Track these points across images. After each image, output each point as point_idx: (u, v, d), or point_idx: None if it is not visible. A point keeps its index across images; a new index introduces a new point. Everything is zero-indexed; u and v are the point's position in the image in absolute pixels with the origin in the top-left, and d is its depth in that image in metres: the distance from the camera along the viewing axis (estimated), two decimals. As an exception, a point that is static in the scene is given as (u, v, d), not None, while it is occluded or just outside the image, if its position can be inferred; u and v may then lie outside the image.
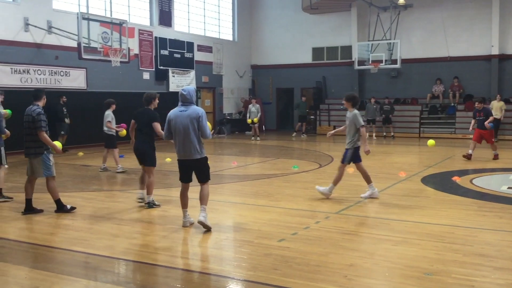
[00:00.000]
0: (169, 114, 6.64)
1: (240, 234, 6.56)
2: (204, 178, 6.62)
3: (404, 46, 22.14)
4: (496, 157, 13.43)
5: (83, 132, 17.38)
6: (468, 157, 13.25)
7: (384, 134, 21.43)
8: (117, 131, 11.88)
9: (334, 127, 23.74)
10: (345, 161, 8.55)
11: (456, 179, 10.41)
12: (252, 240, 6.13)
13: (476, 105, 13.61)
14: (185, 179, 6.69)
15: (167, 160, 13.75)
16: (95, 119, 17.47)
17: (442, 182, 10.42)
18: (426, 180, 10.46)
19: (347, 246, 5.85)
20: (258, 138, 20.83)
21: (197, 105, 6.74)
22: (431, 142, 13.27)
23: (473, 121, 13.77)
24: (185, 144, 6.44)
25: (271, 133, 24.82)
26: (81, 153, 15.77)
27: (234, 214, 7.83)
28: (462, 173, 11.31)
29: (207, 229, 6.47)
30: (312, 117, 24.57)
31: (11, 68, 15.59)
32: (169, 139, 6.74)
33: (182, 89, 6.58)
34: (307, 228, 6.65)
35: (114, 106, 11.93)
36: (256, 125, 20.95)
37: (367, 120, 21.43)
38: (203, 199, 6.55)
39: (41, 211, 7.66)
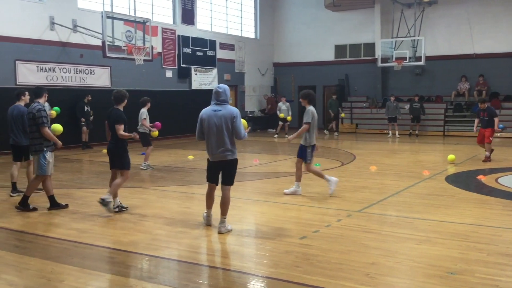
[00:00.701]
0: (201, 113, 6.34)
1: (262, 231, 6.58)
2: (229, 180, 6.43)
3: (428, 43, 21.86)
4: (486, 159, 12.63)
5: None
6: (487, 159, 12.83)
7: (410, 132, 21.17)
8: (150, 130, 11.87)
9: (357, 125, 23.67)
10: (307, 160, 8.70)
11: (481, 178, 10.25)
12: (273, 237, 6.14)
13: (479, 105, 13.23)
14: (213, 180, 6.50)
15: (189, 157, 13.87)
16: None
17: (466, 180, 10.28)
18: (451, 179, 10.33)
19: (369, 245, 5.81)
20: (287, 136, 20.83)
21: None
22: (451, 157, 12.89)
23: (476, 121, 13.34)
24: (218, 145, 6.22)
25: (292, 131, 24.71)
26: (105, 150, 15.93)
27: (255, 212, 7.85)
28: (487, 172, 11.13)
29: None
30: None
31: (37, 67, 15.89)
32: (201, 139, 6.44)
33: (218, 86, 6.27)
34: (329, 226, 6.64)
35: (149, 104, 11.97)
36: (288, 123, 20.98)
37: (388, 118, 21.29)
38: (224, 207, 6.36)
39: (66, 206, 7.80)
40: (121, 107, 7.63)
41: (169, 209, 7.86)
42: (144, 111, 11.81)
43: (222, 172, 6.42)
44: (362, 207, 7.78)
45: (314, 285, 4.61)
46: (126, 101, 7.73)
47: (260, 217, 7.39)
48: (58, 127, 8.40)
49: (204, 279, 4.92)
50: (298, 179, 8.79)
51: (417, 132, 20.97)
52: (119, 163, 7.54)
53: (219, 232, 6.31)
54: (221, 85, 6.35)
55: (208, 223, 6.71)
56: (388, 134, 21.33)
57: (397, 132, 21.03)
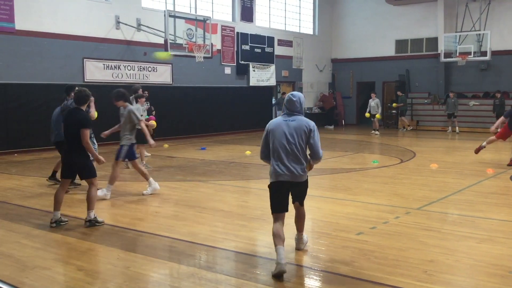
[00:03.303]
0: (268, 125, 5.19)
1: (318, 226, 6.63)
2: (302, 200, 5.29)
3: (494, 37, 21.00)
4: None
5: (168, 124, 18.12)
6: None
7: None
8: (147, 125, 12.00)
9: (417, 122, 23.11)
10: (119, 158, 8.42)
11: (549, 177, 9.81)
12: (330, 233, 6.18)
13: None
14: (280, 208, 5.08)
15: (247, 153, 14.06)
16: (180, 113, 18.33)
17: (533, 180, 9.85)
18: (516, 178, 9.95)
19: (427, 242, 5.74)
20: (377, 132, 20.39)
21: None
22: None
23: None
24: (289, 162, 4.97)
25: (351, 128, 24.51)
26: (166, 145, 16.45)
27: (312, 207, 7.87)
28: (557, 171, 10.62)
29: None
30: (394, 111, 24.01)
31: (104, 64, 16.59)
32: (266, 159, 5.23)
33: (291, 94, 5.16)
34: (386, 223, 6.59)
35: (143, 100, 12.13)
36: (376, 119, 20.58)
37: (447, 114, 20.73)
38: (299, 224, 5.42)
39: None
40: (84, 108, 6.66)
41: (227, 202, 8.05)
42: (139, 107, 11.85)
43: (292, 192, 5.17)
44: (421, 204, 7.66)
45: (371, 280, 4.62)
46: (89, 100, 6.78)
47: (316, 212, 7.42)
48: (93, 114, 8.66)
49: (261, 270, 5.03)
50: (146, 177, 8.57)
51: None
52: (87, 173, 6.65)
53: (298, 249, 5.49)
54: (295, 92, 5.21)
55: (281, 268, 4.78)
56: (448, 130, 20.88)
57: (457, 129, 20.58)
